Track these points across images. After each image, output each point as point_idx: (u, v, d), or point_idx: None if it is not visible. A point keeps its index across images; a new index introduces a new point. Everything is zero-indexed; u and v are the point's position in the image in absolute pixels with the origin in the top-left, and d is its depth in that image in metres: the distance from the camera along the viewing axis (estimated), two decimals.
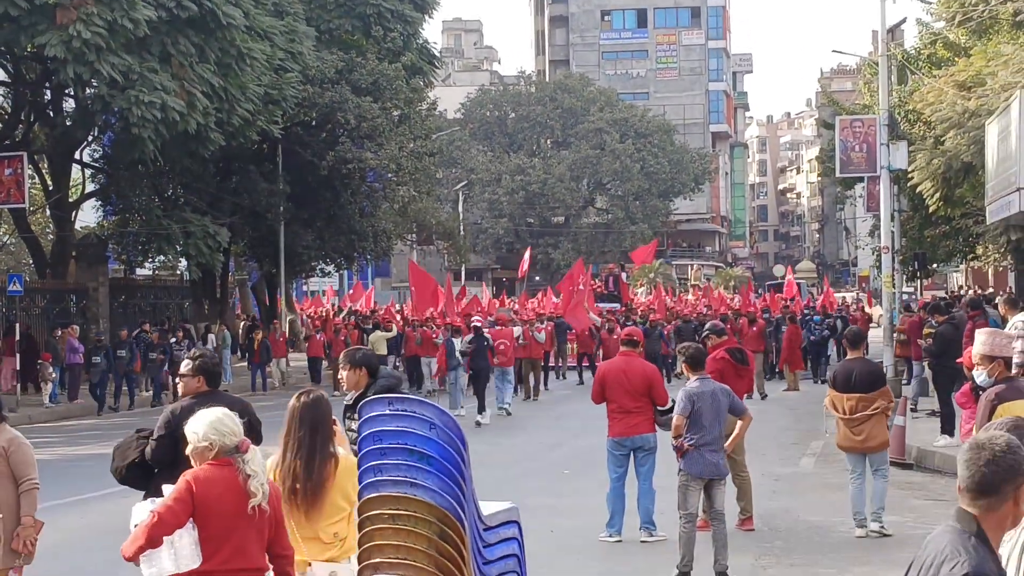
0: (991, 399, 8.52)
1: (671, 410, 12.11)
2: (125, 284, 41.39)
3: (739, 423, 11.45)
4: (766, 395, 28.98)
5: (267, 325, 40.97)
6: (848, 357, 12.97)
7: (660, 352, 32.14)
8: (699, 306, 44.91)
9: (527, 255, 54.37)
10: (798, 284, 65.86)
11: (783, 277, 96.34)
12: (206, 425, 6.14)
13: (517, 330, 29.48)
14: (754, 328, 30.97)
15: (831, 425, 13.15)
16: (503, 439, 22.18)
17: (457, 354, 25.74)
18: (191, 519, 6.02)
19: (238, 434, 6.16)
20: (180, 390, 8.53)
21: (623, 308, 41.51)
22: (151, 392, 30.59)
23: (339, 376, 8.99)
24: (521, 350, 29.27)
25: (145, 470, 8.01)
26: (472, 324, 26.98)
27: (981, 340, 9.02)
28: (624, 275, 49.98)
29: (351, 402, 8.69)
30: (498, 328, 28.45)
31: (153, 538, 5.92)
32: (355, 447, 8.55)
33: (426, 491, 7.19)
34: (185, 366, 8.45)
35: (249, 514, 6.07)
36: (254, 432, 8.58)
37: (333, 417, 7.25)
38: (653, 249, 50.71)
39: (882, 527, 12.74)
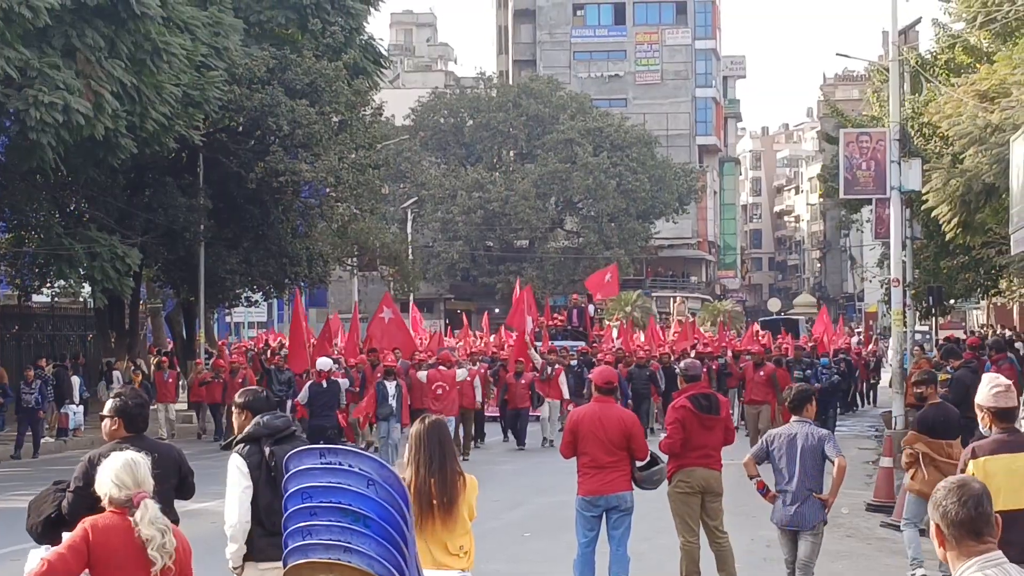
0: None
1: (650, 465, 12.30)
2: (19, 312, 41.13)
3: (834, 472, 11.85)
4: None
5: (183, 361, 40.72)
6: (931, 403, 14.39)
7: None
8: (659, 347, 42.53)
9: (517, 288, 54.38)
10: (795, 320, 65.84)
11: (779, 312, 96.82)
12: (111, 470, 6.26)
13: (461, 373, 28.99)
14: (761, 373, 29.96)
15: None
16: None
17: (390, 401, 25.49)
18: (86, 570, 6.03)
19: (140, 484, 6.16)
20: (103, 433, 8.55)
21: (584, 347, 40.95)
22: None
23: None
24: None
25: (62, 526, 8.00)
26: (320, 368, 25.69)
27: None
28: (592, 308, 49.71)
29: (224, 443, 8.90)
30: (438, 370, 28.27)
31: None
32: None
33: (362, 557, 7.14)
34: (106, 407, 8.46)
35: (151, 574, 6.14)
36: (186, 486, 8.60)
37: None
38: (614, 277, 50.08)
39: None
